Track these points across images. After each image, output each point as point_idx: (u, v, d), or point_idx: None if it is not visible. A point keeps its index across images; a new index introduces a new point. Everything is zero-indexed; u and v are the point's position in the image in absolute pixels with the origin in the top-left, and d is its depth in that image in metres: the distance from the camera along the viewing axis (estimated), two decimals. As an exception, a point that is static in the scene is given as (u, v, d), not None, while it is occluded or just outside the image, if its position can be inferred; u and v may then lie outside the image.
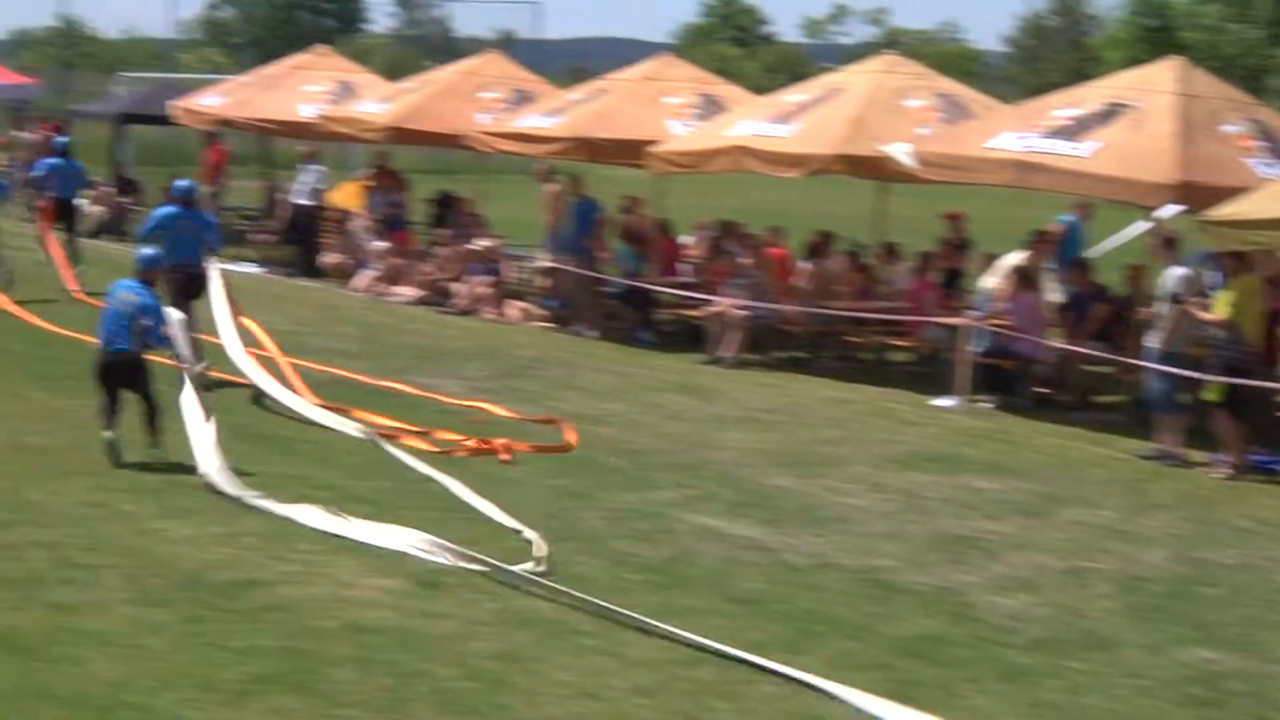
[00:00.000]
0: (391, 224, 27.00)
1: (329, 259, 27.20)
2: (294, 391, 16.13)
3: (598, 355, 20.91)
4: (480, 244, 24.92)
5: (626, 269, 22.95)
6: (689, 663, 9.45)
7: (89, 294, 21.47)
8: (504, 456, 14.46)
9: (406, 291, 25.12)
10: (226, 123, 30.55)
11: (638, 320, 22.68)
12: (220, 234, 19.00)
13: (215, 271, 17.12)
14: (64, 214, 25.66)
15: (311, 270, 27.35)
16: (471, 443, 14.72)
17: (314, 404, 15.88)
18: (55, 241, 24.80)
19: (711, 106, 24.20)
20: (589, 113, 24.22)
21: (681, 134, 23.32)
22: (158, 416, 13.55)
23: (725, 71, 39.85)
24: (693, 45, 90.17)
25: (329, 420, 15.30)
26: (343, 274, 26.61)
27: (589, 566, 11.28)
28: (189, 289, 17.13)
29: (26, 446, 13.96)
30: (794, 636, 10.06)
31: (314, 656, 9.25)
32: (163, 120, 33.25)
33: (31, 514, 11.89)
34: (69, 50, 63.06)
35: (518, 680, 9.08)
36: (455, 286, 24.58)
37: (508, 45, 56.63)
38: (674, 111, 24.07)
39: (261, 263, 28.10)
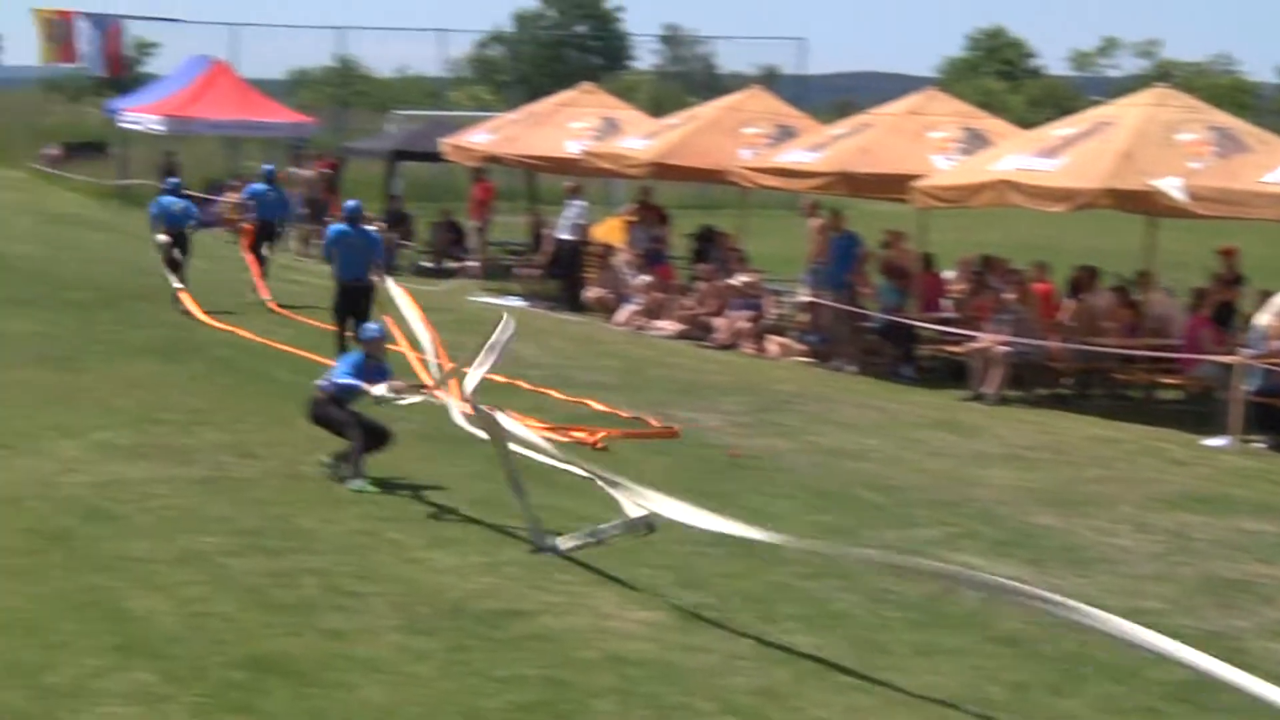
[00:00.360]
0: (653, 259, 27.19)
1: (591, 293, 27.48)
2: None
3: (857, 390, 20.79)
4: (741, 279, 24.96)
5: (887, 304, 22.79)
6: (948, 702, 9.31)
7: (281, 305, 24.99)
8: (599, 445, 15.87)
9: (667, 326, 25.27)
10: (494, 159, 31.12)
11: (898, 355, 22.49)
12: (385, 251, 20.68)
13: (392, 284, 17.76)
14: (265, 234, 27.57)
15: (574, 304, 27.65)
16: (581, 433, 16.03)
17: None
18: (254, 258, 26.86)
19: (976, 140, 23.93)
20: (852, 147, 24.13)
21: (945, 168, 23.07)
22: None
23: (990, 105, 39.41)
24: (957, 79, 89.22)
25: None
26: (605, 308, 26.87)
27: (848, 603, 11.22)
28: (358, 302, 19.17)
29: (300, 475, 14.37)
30: (1057, 678, 9.87)
31: (575, 687, 9.32)
32: (433, 157, 33.95)
33: (304, 541, 12.23)
34: (344, 89, 64.81)
35: (777, 717, 9.04)
36: (716, 321, 24.66)
37: (771, 81, 56.66)
38: (938, 146, 23.85)
39: (526, 296, 28.52)
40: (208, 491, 13.70)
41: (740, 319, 24.29)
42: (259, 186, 28.20)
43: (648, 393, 19.53)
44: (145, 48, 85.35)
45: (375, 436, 14.17)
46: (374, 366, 14.42)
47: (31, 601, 10.49)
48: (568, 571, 11.61)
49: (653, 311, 25.86)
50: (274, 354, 20.88)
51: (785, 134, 26.76)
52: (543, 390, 18.80)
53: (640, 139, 28.34)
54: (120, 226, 38.13)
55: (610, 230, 30.17)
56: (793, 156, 24.93)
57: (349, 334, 19.42)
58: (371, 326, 15.04)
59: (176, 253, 25.45)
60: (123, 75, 51.89)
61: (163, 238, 25.65)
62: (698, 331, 24.86)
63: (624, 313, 26.17)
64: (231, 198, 39.02)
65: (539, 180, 34.77)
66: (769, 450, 16.44)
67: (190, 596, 10.74)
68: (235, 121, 42.51)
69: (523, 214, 34.17)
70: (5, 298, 24.94)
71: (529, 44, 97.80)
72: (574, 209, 28.34)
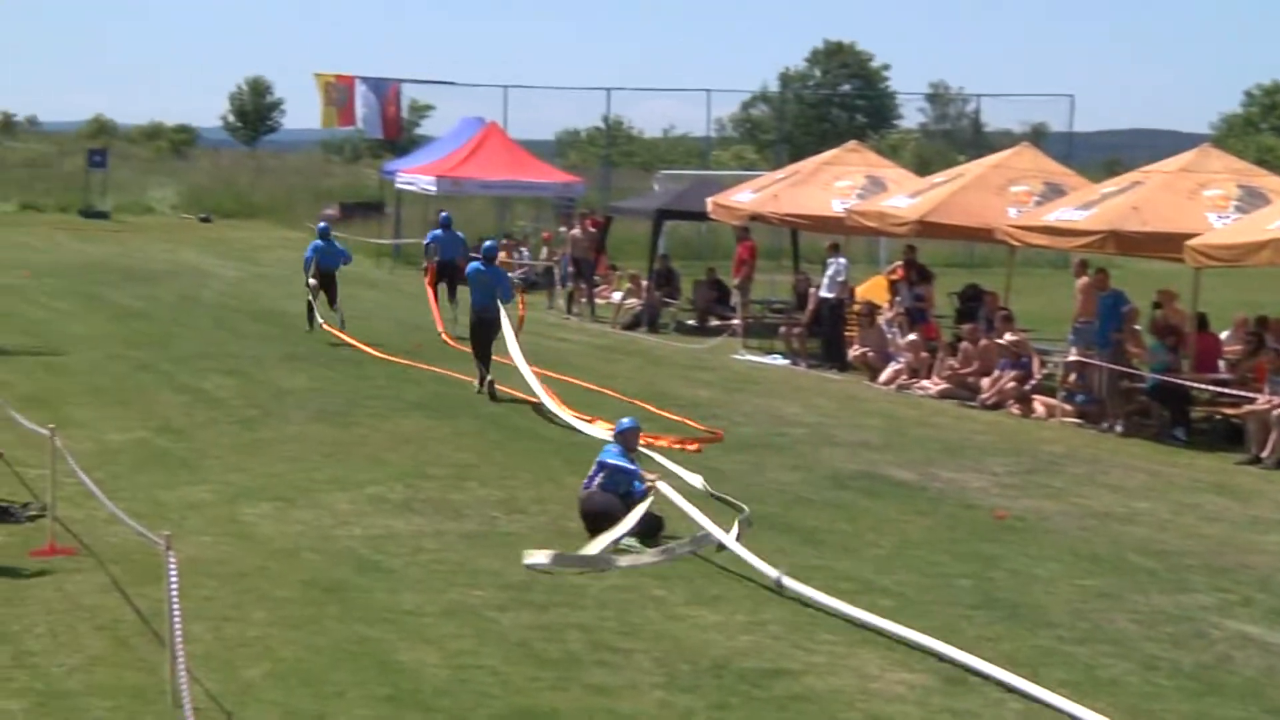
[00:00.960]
0: (918, 317, 26.96)
1: (855, 352, 27.34)
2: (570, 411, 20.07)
3: (1127, 452, 20.32)
4: (1007, 338, 24.55)
5: (1159, 364, 22.20)
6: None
7: (456, 339, 27.06)
8: (668, 442, 18.50)
9: (932, 385, 24.99)
10: (758, 217, 31.19)
11: (1170, 417, 21.87)
12: (511, 288, 23.78)
13: (504, 314, 22.60)
14: (445, 274, 30.52)
15: (837, 363, 27.53)
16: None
17: (579, 418, 19.84)
18: (434, 296, 29.90)
19: (1253, 198, 23.19)
20: (1122, 205, 23.57)
21: (1220, 226, 22.43)
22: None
23: (1267, 162, 38.33)
24: (1233, 136, 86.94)
25: (586, 428, 19.47)
26: (868, 367, 26.69)
27: (1119, 670, 10.96)
28: (484, 329, 22.79)
29: (567, 531, 14.52)
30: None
31: (837, 748, 9.21)
32: (698, 215, 34.14)
33: (570, 596, 12.37)
34: (611, 149, 65.60)
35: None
36: (981, 381, 24.32)
37: (1039, 138, 55.84)
38: (1212, 204, 23.17)
39: (788, 355, 28.49)
40: (477, 546, 13.92)
41: (1006, 379, 23.90)
42: (438, 231, 31.43)
43: (911, 452, 19.37)
44: (420, 110, 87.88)
45: (650, 524, 14.23)
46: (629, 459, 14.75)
47: (308, 652, 10.79)
48: (832, 631, 11.55)
49: (917, 371, 25.62)
50: (544, 411, 21.12)
51: (1053, 191, 26.36)
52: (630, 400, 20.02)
53: (905, 197, 28.17)
54: (394, 285, 39.26)
55: (874, 288, 29.99)
56: (1061, 215, 24.47)
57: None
58: (626, 421, 15.28)
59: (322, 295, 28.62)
60: (399, 137, 53.12)
61: (313, 281, 28.65)
62: (963, 391, 24.54)
63: (888, 372, 25.98)
64: (502, 257, 39.84)
65: (803, 238, 34.76)
66: (1035, 512, 16.16)
67: (458, 649, 10.92)
68: (505, 182, 43.21)
69: (786, 272, 34.17)
70: (284, 354, 25.76)
71: (794, 103, 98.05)
72: (837, 267, 28.26)
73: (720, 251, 42.11)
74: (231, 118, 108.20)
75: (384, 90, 49.20)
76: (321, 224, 31.33)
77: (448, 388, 23.05)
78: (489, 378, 22.52)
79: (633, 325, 32.58)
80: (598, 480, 14.59)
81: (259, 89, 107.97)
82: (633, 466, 14.75)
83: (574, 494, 15.24)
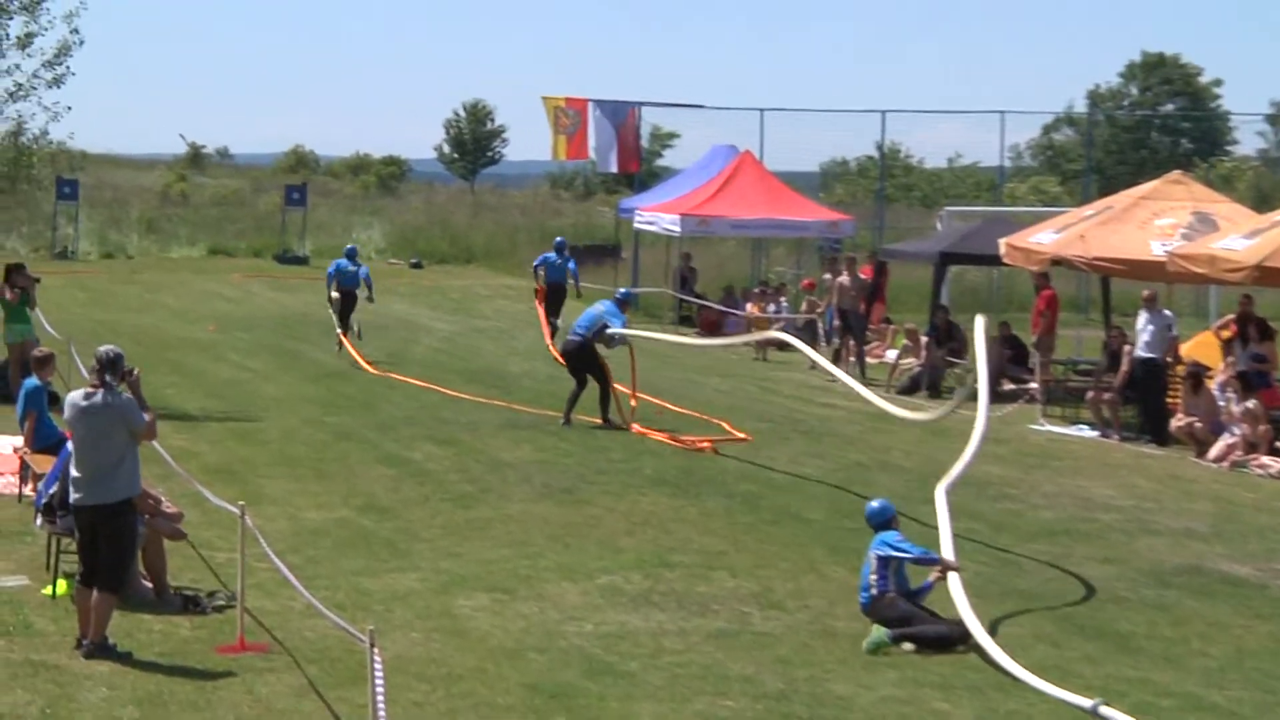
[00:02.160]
0: (1256, 381, 26.35)
1: (1178, 422, 26.82)
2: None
3: None
4: (1366, 406, 23.94)
5: None
6: None
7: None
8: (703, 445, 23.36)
9: (1273, 463, 24.43)
10: (1062, 262, 30.78)
11: None
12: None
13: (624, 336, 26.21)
14: (553, 297, 36.66)
15: (1157, 435, 27.04)
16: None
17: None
18: (545, 318, 35.56)
19: None
20: None
21: None
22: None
23: None
24: None
25: None
26: (1195, 440, 26.17)
27: None
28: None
29: (833, 632, 14.53)
30: None
31: None
32: (989, 260, 33.85)
33: (836, 710, 12.37)
34: (887, 182, 65.46)
35: None
36: (1334, 457, 23.73)
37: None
38: None
39: (1097, 425, 28.04)
40: (726, 647, 13.95)
41: (1365, 455, 23.28)
42: (550, 255, 37.37)
43: (1248, 543, 18.99)
44: (663, 139, 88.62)
45: (953, 638, 14.11)
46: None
47: (530, 766, 10.86)
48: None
49: (1255, 445, 25.05)
50: (805, 490, 21.18)
51: None
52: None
53: (1241, 238, 27.54)
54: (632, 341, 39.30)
55: (1202, 346, 29.40)
56: None
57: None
58: (875, 505, 15.21)
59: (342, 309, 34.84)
60: (637, 170, 53.52)
61: (335, 294, 35.15)
62: (1311, 470, 23.98)
63: (1219, 446, 25.43)
64: (755, 309, 39.96)
65: (1115, 287, 34.26)
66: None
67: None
68: (760, 220, 43.23)
69: (1095, 327, 33.69)
70: (505, 421, 26.08)
71: (1105, 126, 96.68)
72: (1157, 321, 27.76)
73: (1015, 302, 41.79)
74: (447, 148, 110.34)
75: (621, 115, 49.52)
76: (349, 246, 38.10)
77: (692, 461, 23.21)
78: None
79: (910, 389, 32.39)
80: (889, 582, 14.42)
81: (479, 115, 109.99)
82: (920, 551, 14.70)
83: (840, 587, 15.21)
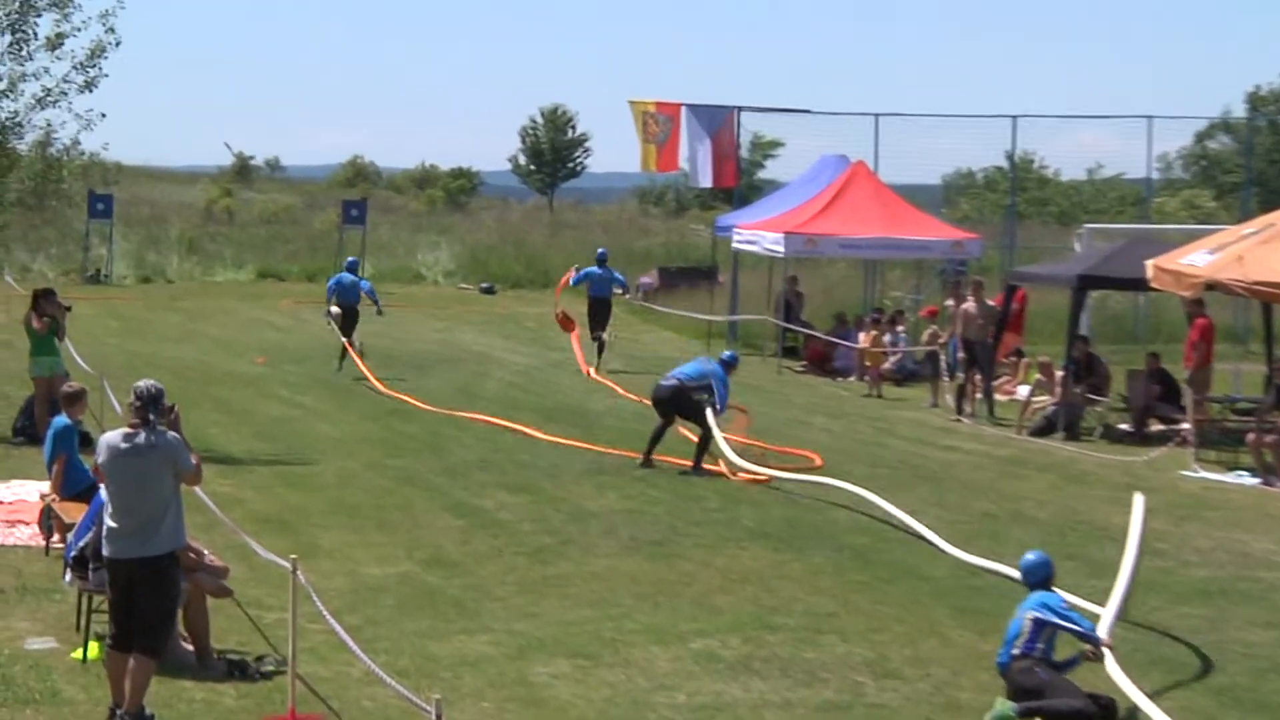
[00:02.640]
0: None
1: (1354, 468, 26.61)
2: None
3: None
4: None
5: None
6: None
7: (608, 374, 37.12)
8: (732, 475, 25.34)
9: None
10: (1217, 286, 30.55)
11: None
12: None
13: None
14: (599, 312, 40.42)
15: (1329, 483, 26.85)
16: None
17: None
18: (576, 336, 39.79)
19: None
20: None
21: None
22: None
23: None
24: None
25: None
26: (1373, 488, 25.97)
27: None
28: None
29: (957, 705, 14.55)
30: None
31: None
32: (1135, 284, 33.55)
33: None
34: (1019, 196, 65.08)
35: None
36: None
37: None
38: None
39: (1258, 470, 27.79)
40: (835, 720, 13.86)
41: None
42: (592, 268, 41.19)
43: None
44: (764, 148, 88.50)
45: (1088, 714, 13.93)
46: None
47: None
48: None
49: None
50: (923, 547, 21.07)
51: None
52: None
53: None
54: (767, 385, 38.79)
55: (1378, 383, 29.07)
56: None
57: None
58: (1034, 558, 15.00)
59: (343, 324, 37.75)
60: (736, 184, 53.32)
61: (335, 310, 37.88)
62: None
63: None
64: (869, 339, 39.81)
65: (1278, 315, 34.00)
66: None
67: None
68: (875, 240, 42.69)
69: (1256, 360, 33.44)
70: (587, 466, 26.21)
71: (1267, 134, 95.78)
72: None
73: (1164, 332, 41.54)
74: (523, 159, 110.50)
75: (718, 121, 49.28)
76: (350, 259, 41.22)
77: (797, 511, 23.21)
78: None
79: (1044, 430, 32.19)
80: (1036, 648, 14.22)
81: (558, 122, 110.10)
82: (1088, 626, 14.55)
83: (965, 653, 15.17)
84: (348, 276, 38.56)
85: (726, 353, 28.28)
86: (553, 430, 29.28)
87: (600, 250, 43.70)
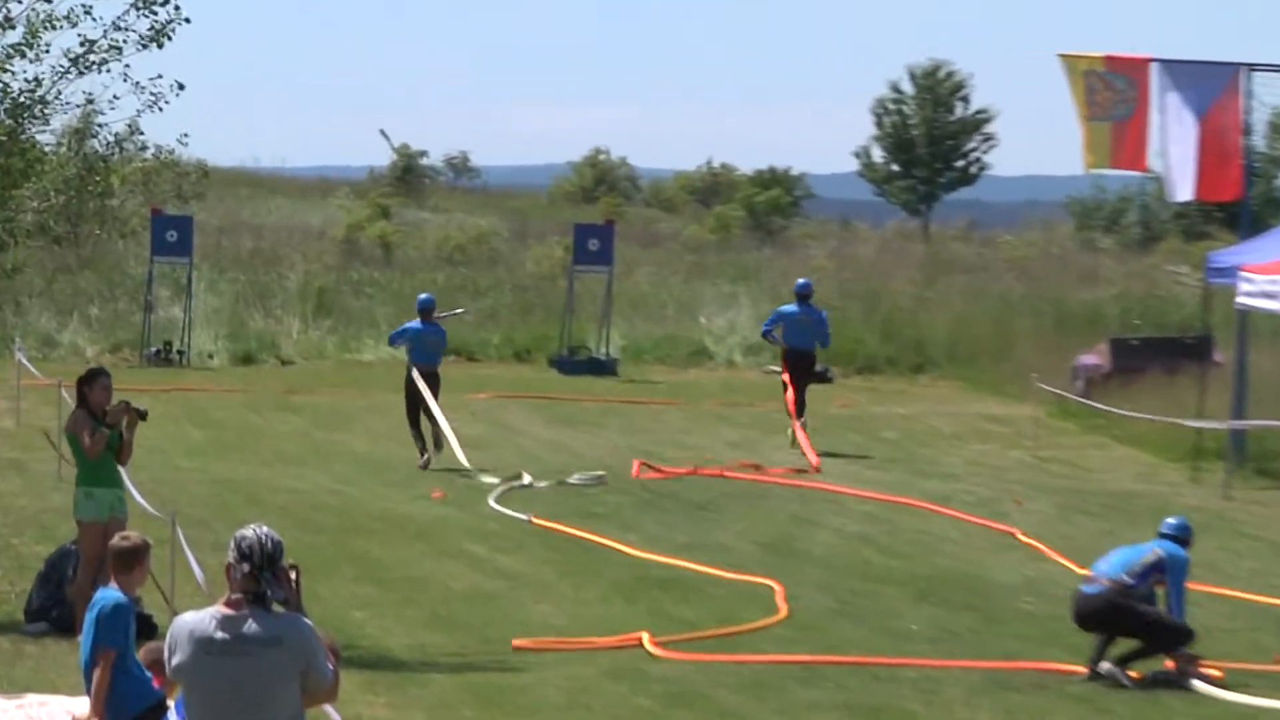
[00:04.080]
0: None
1: None
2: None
3: None
4: None
5: None
6: None
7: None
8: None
9: None
10: None
11: None
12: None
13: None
14: (798, 368, 43.51)
15: None
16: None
17: None
18: (793, 397, 43.27)
19: None
20: None
21: None
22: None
23: None
24: None
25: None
26: None
27: None
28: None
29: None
30: None
31: None
32: None
33: None
34: None
35: None
36: None
37: None
38: None
39: None
40: None
41: None
42: (788, 308, 44.67)
43: None
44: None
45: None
46: None
47: None
48: None
49: None
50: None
51: None
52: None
53: None
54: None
55: None
56: None
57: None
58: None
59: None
60: (1243, 198, 48.13)
61: (416, 375, 39.33)
62: None
63: None
64: None
65: None
66: None
67: None
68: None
69: None
70: (983, 681, 25.33)
71: None
72: None
73: None
74: (878, 153, 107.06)
75: (1215, 89, 44.45)
76: (424, 296, 42.44)
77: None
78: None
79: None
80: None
81: (938, 90, 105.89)
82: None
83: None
84: (421, 326, 39.85)
85: (1172, 519, 26.27)
86: (926, 615, 28.71)
87: (801, 281, 46.49)
